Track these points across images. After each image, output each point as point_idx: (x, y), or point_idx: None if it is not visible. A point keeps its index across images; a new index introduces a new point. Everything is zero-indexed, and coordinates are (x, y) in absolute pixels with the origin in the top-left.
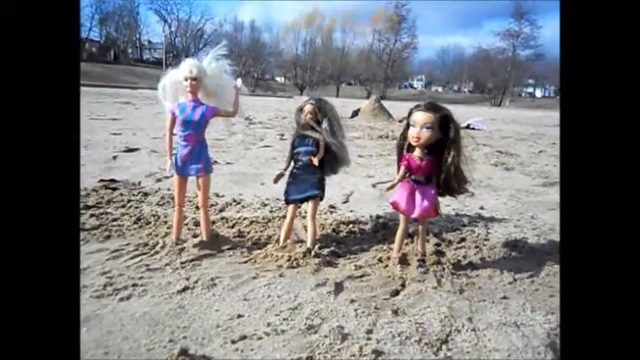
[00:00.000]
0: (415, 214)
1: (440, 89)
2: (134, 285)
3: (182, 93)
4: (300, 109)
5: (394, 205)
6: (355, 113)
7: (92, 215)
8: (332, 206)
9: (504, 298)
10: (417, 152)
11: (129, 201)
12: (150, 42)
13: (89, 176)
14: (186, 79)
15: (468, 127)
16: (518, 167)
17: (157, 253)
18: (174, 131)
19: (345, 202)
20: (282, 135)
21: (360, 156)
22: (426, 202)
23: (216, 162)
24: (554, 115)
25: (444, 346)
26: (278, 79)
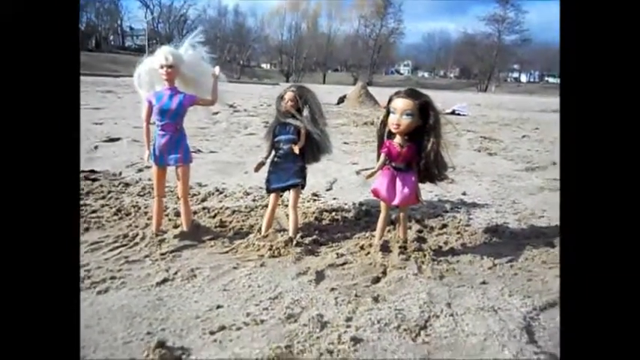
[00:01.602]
0: (396, 202)
1: (426, 74)
2: (112, 277)
3: (158, 81)
4: (281, 97)
5: (375, 192)
6: (341, 100)
7: None
8: (315, 194)
9: (483, 283)
10: (398, 139)
11: (109, 192)
12: (132, 28)
13: None
14: (162, 67)
15: (452, 112)
16: (501, 152)
17: (136, 244)
18: (152, 120)
19: (328, 190)
20: (267, 123)
21: (345, 143)
22: (406, 189)
23: (199, 150)
24: (539, 100)
25: (422, 332)
26: (264, 65)
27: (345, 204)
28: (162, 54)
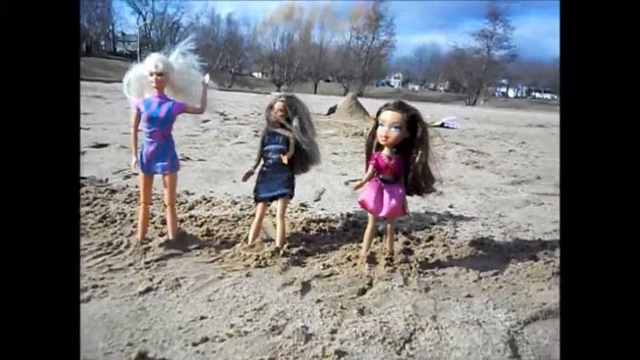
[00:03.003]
0: (383, 213)
1: (416, 87)
2: (94, 286)
3: (148, 88)
4: (271, 107)
5: (362, 203)
6: (332, 110)
7: None
8: (303, 204)
9: (468, 296)
10: (386, 151)
11: (94, 199)
12: (124, 34)
13: None
14: (151, 74)
15: (442, 125)
16: (488, 166)
17: (120, 252)
18: (140, 127)
19: (316, 200)
20: (257, 131)
21: (334, 153)
22: (393, 201)
23: (188, 158)
24: (526, 115)
25: (407, 345)
26: (255, 74)
27: (333, 215)
28: (152, 61)
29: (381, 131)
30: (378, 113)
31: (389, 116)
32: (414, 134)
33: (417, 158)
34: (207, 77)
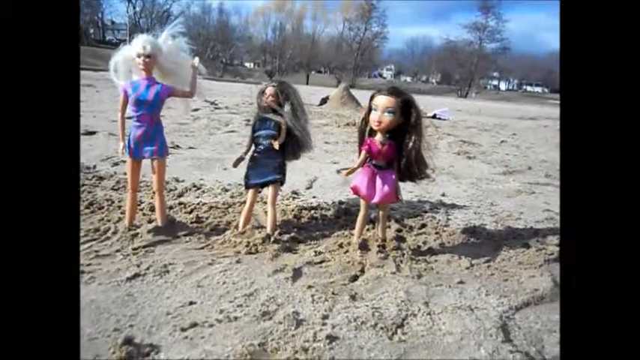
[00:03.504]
0: (375, 199)
1: (409, 79)
2: (81, 272)
3: (136, 71)
4: (262, 92)
5: (355, 189)
6: (324, 101)
7: None
8: (295, 192)
9: (461, 282)
10: (379, 137)
11: (82, 185)
12: (113, 22)
13: None
14: (139, 56)
15: (434, 116)
16: (480, 156)
17: (107, 239)
18: (128, 112)
19: (308, 188)
20: (249, 120)
21: (326, 142)
22: (386, 187)
23: (178, 146)
24: (518, 108)
25: (399, 330)
26: (247, 64)
27: (325, 202)
28: (140, 43)
29: (374, 116)
30: (371, 98)
31: (382, 101)
32: (407, 120)
33: (411, 144)
34: (196, 60)
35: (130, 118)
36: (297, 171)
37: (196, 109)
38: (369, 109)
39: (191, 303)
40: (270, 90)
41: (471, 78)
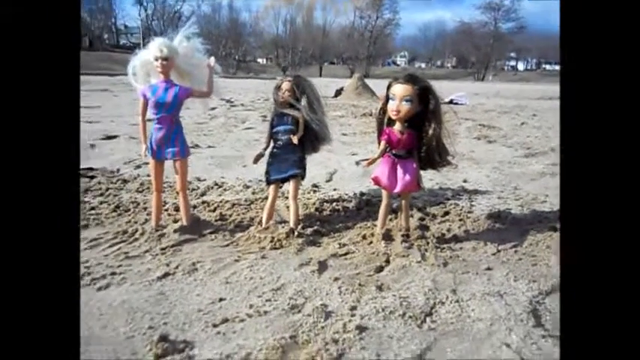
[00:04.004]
0: (397, 189)
1: (423, 65)
2: (112, 273)
3: (153, 74)
4: (278, 87)
5: (376, 180)
6: (338, 92)
7: None
8: (315, 185)
9: (488, 269)
10: (398, 126)
11: (107, 189)
12: (126, 26)
13: None
14: (156, 59)
15: (451, 102)
16: (500, 140)
17: (136, 240)
18: (148, 114)
19: (328, 181)
20: (265, 116)
21: (343, 134)
22: (407, 177)
23: (197, 146)
24: (536, 88)
25: (427, 319)
26: (260, 60)
27: (346, 194)
28: (157, 46)
29: (392, 105)
30: (389, 87)
31: (400, 89)
32: (426, 107)
33: (431, 131)
34: (212, 60)
35: (150, 120)
36: (316, 164)
37: (213, 108)
38: (387, 99)
39: (221, 299)
40: (285, 85)
41: (487, 60)
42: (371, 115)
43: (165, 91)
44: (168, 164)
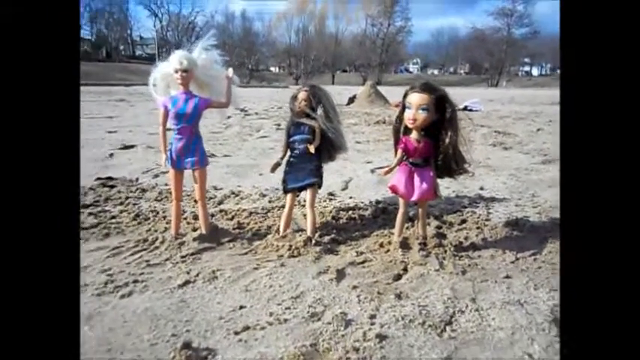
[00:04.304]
0: (414, 197)
1: (436, 72)
2: (135, 281)
3: (173, 86)
4: (294, 97)
5: (393, 188)
6: (351, 100)
7: (90, 214)
8: (331, 193)
9: (507, 277)
10: (414, 134)
11: (127, 198)
12: (141, 37)
13: (86, 175)
14: (176, 72)
15: (465, 108)
16: (516, 146)
17: (156, 248)
18: (168, 125)
19: (344, 189)
20: (279, 125)
21: (357, 142)
22: (424, 185)
23: (213, 155)
24: (552, 93)
25: (447, 327)
26: (272, 69)
27: (362, 202)
28: (177, 58)
29: (408, 114)
30: (405, 96)
31: (416, 98)
32: (442, 115)
33: (447, 139)
34: (230, 71)
35: (169, 130)
36: (331, 172)
37: (228, 117)
38: (403, 107)
39: (241, 307)
40: (302, 94)
41: (500, 66)
42: (384, 122)
43: (186, 103)
44: (187, 173)
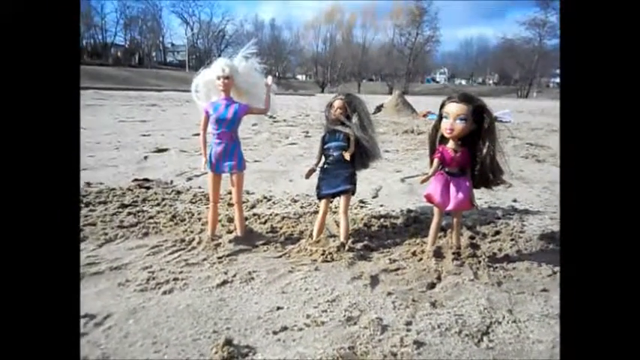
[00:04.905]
0: (450, 207)
1: (463, 82)
2: (175, 279)
3: (215, 92)
4: (330, 105)
5: (428, 197)
6: (378, 109)
7: (129, 213)
8: (362, 201)
9: (544, 290)
10: (451, 144)
11: (163, 199)
12: (173, 45)
13: (123, 176)
14: (218, 78)
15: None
16: (550, 159)
17: (194, 248)
18: (208, 130)
19: (374, 197)
20: (307, 132)
21: (386, 151)
22: (460, 194)
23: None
24: None
25: (485, 337)
26: (299, 77)
27: (393, 211)
28: (220, 65)
29: (445, 124)
30: (442, 106)
31: (454, 108)
32: (480, 126)
33: (485, 150)
34: (270, 79)
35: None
36: (361, 180)
37: (254, 124)
38: (440, 117)
39: (278, 308)
40: (337, 103)
41: (531, 77)
42: (412, 132)
43: (226, 108)
44: (224, 177)
